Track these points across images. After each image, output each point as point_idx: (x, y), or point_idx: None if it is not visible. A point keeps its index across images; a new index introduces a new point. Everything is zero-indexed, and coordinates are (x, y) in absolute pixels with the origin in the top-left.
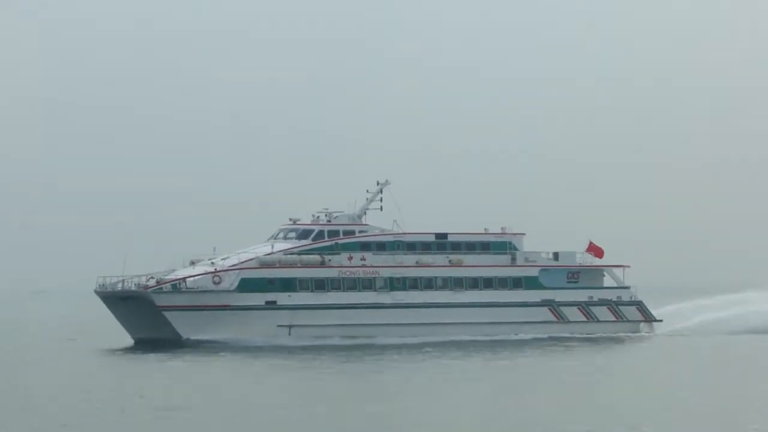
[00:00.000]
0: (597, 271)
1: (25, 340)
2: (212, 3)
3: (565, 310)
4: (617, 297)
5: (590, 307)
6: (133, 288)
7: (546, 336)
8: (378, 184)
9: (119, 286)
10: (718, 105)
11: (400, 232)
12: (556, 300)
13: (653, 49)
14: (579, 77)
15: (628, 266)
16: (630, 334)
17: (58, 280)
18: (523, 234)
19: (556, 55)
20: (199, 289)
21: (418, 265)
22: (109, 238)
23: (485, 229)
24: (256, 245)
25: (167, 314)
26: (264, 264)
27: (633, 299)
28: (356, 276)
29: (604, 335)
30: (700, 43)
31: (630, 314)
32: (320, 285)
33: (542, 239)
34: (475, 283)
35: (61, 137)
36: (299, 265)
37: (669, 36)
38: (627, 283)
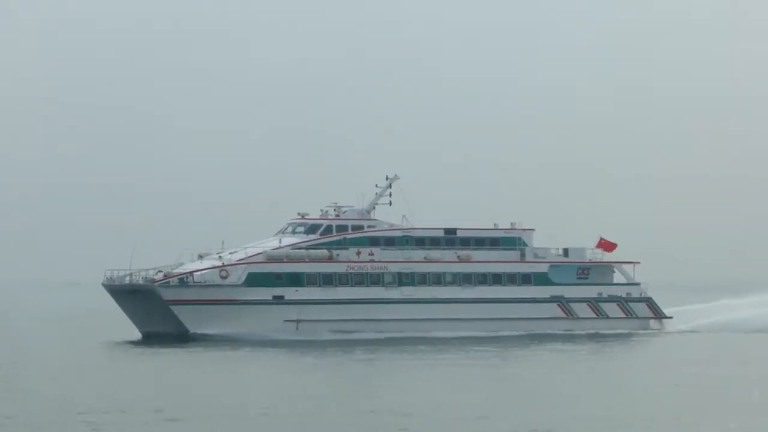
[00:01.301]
0: (607, 268)
1: (36, 331)
2: (213, 3)
3: (575, 307)
4: (627, 293)
5: (600, 304)
6: (141, 282)
7: (554, 332)
8: (387, 179)
9: (127, 280)
10: (726, 104)
11: (409, 227)
12: (566, 296)
13: (660, 50)
14: (580, 77)
15: (638, 263)
16: (639, 331)
17: (90, 274)
18: (533, 230)
19: (558, 56)
20: (207, 284)
21: (427, 260)
22: (119, 232)
23: (495, 224)
24: (264, 240)
25: (174, 308)
26: (272, 258)
27: (643, 296)
28: (364, 271)
29: (613, 332)
30: (703, 43)
31: (639, 311)
32: (328, 280)
33: (552, 235)
34: (483, 279)
35: (77, 135)
36: (307, 259)
37: (672, 36)
38: (637, 280)
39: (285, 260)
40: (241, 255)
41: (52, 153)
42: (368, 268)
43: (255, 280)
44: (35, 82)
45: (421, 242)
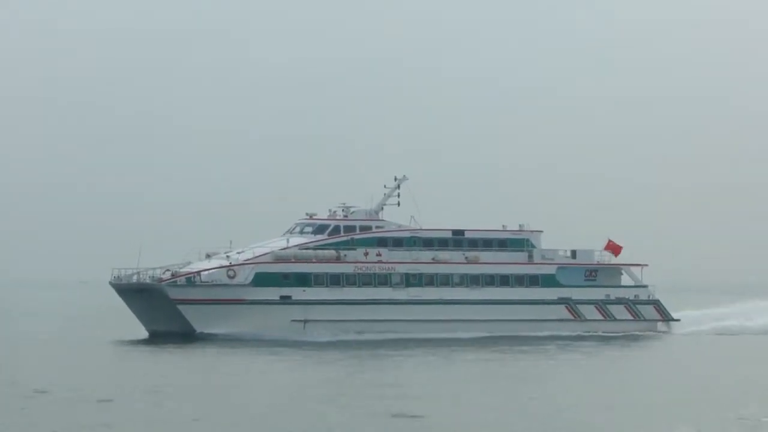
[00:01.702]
0: (615, 270)
1: (42, 328)
2: (215, 2)
3: (582, 309)
4: (634, 296)
5: (607, 306)
6: (148, 281)
7: (562, 334)
8: (395, 179)
9: (134, 279)
10: (730, 103)
11: (417, 228)
12: (573, 298)
13: (664, 53)
14: (582, 76)
15: (646, 265)
16: (647, 333)
17: (95, 273)
18: (541, 231)
19: (570, 55)
20: (214, 283)
21: (435, 261)
22: (127, 231)
23: (503, 226)
24: (271, 239)
25: (181, 307)
26: (279, 258)
27: (650, 298)
28: (372, 272)
29: (620, 334)
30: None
31: (647, 313)
32: (335, 280)
33: (560, 237)
34: (491, 281)
35: (90, 139)
36: (314, 260)
37: (676, 39)
38: (645, 282)
39: (292, 260)
40: (248, 255)
41: (54, 152)
42: (376, 268)
43: (262, 279)
44: (36, 83)
45: (429, 243)
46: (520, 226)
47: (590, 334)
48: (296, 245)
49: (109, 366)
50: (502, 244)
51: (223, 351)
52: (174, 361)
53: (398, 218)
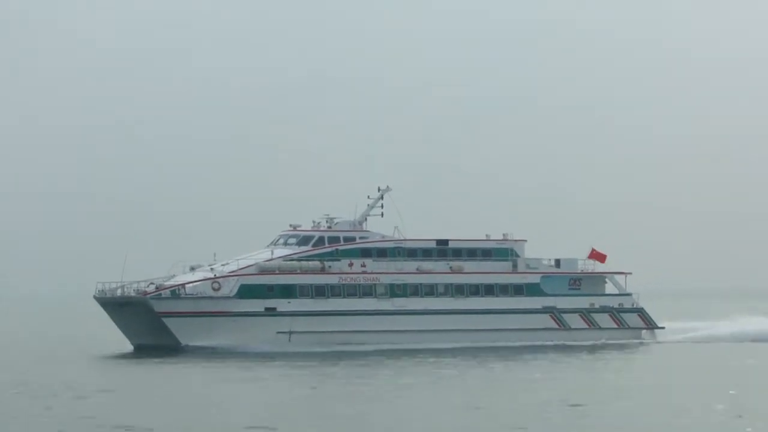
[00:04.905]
0: (599, 278)
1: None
2: (212, 5)
3: (567, 317)
4: (619, 304)
5: (592, 314)
6: (133, 294)
7: (547, 343)
8: (379, 190)
9: (119, 292)
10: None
11: (401, 238)
12: (558, 307)
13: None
14: (581, 76)
15: (630, 273)
16: (631, 341)
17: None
18: (525, 240)
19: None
20: (199, 296)
21: (419, 271)
22: (109, 243)
23: (487, 235)
24: (256, 251)
25: (166, 320)
26: (264, 270)
27: (634, 306)
28: (357, 282)
29: (605, 342)
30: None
31: (631, 321)
32: (320, 291)
33: (544, 246)
34: (476, 290)
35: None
36: (299, 271)
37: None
38: (629, 290)
39: (277, 272)
40: (233, 267)
41: (43, 165)
42: (360, 279)
43: (247, 291)
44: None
45: (413, 253)
46: (504, 235)
47: (575, 343)
48: (281, 257)
49: (91, 383)
50: (486, 254)
51: (210, 363)
52: (164, 375)
53: (382, 229)
